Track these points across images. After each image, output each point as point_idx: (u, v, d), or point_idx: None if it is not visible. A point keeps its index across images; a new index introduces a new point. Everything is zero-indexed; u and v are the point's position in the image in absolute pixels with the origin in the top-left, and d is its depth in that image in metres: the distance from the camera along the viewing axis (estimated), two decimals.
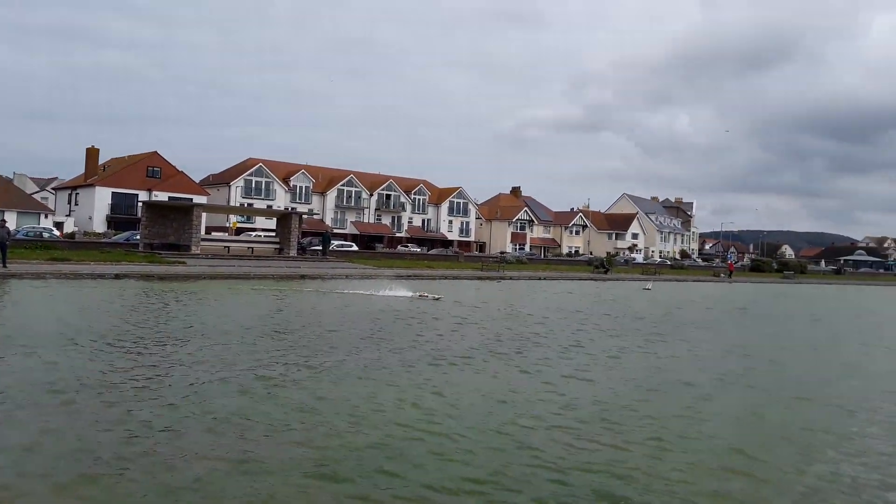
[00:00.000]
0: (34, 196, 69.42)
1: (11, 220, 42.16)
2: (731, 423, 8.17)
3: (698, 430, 7.67)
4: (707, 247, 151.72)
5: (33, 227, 47.49)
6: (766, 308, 31.09)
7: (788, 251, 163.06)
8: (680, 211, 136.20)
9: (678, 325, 19.33)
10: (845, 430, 8.11)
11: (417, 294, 23.63)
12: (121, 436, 6.44)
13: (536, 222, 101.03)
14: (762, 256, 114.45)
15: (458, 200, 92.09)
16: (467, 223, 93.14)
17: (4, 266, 25.02)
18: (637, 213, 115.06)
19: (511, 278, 43.04)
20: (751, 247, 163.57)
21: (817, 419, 8.58)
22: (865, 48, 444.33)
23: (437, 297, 22.74)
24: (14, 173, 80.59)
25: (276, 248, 43.02)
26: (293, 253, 41.97)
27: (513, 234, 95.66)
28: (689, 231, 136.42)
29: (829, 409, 9.22)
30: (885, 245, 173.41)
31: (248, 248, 42.88)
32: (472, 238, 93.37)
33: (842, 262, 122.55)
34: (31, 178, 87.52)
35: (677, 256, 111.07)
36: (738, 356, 13.78)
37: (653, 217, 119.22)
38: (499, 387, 9.46)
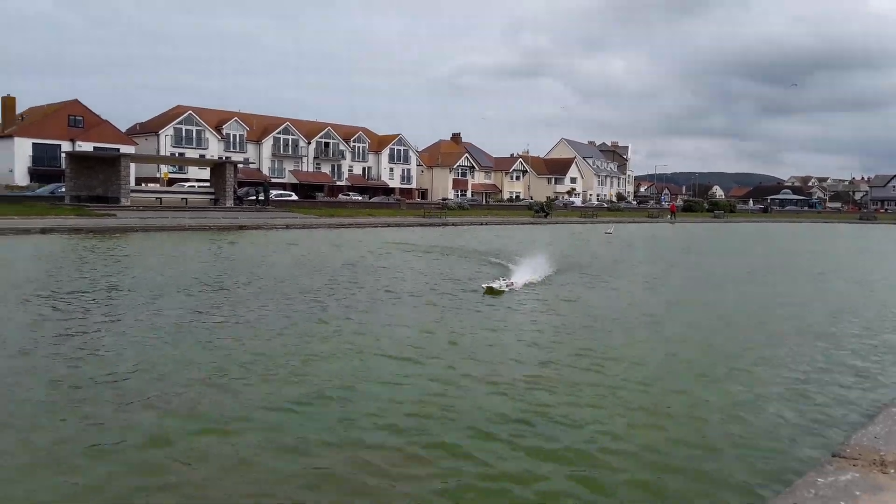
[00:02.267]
0: None
1: None
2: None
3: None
4: (642, 189, 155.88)
5: None
6: (722, 246, 32.18)
7: (718, 192, 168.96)
8: (616, 155, 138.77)
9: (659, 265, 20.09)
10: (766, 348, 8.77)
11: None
12: (53, 384, 6.42)
13: (477, 168, 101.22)
14: (694, 197, 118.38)
15: (399, 147, 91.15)
16: (408, 170, 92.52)
17: None
18: (575, 157, 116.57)
19: (454, 224, 43.44)
20: (683, 188, 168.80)
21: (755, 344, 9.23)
22: None
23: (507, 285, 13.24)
24: None
25: (211, 199, 41.94)
26: (229, 203, 41.04)
27: (454, 180, 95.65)
28: (625, 174, 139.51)
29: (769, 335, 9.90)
30: (810, 184, 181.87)
31: (182, 199, 41.64)
32: (413, 185, 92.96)
33: (769, 201, 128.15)
34: None
35: (614, 199, 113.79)
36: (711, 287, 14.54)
37: (590, 161, 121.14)
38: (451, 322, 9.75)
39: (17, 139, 58.79)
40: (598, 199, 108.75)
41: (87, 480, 4.46)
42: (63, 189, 39.93)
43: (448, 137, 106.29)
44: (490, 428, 5.58)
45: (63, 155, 44.47)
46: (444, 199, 74.78)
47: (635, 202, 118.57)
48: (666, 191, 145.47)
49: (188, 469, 4.67)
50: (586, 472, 4.82)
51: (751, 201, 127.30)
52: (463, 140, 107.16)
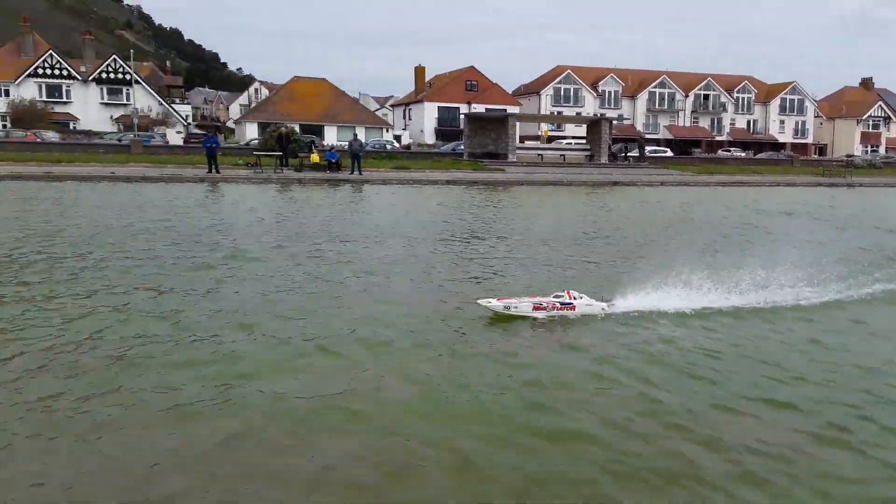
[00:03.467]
0: (376, 113, 79.15)
1: (361, 135, 48.70)
2: None
3: None
4: None
5: (378, 140, 54.33)
6: None
7: None
8: None
9: None
10: None
11: None
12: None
13: (894, 119, 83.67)
14: None
15: (791, 97, 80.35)
16: (803, 123, 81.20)
17: (360, 173, 29.20)
18: None
19: (861, 185, 36.70)
20: None
21: None
22: None
23: None
24: (360, 93, 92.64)
25: (586, 156, 42.83)
26: (604, 160, 41.33)
27: (863, 133, 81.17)
28: None
29: None
30: None
31: (561, 155, 43.40)
32: (809, 140, 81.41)
33: None
34: (372, 98, 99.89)
35: None
36: None
37: None
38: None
39: (426, 104, 68.57)
40: None
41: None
42: (462, 146, 45.10)
43: (856, 83, 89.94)
44: None
45: (462, 116, 50.22)
46: (848, 156, 63.73)
47: None
48: None
49: None
50: None
51: None
52: (876, 86, 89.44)
